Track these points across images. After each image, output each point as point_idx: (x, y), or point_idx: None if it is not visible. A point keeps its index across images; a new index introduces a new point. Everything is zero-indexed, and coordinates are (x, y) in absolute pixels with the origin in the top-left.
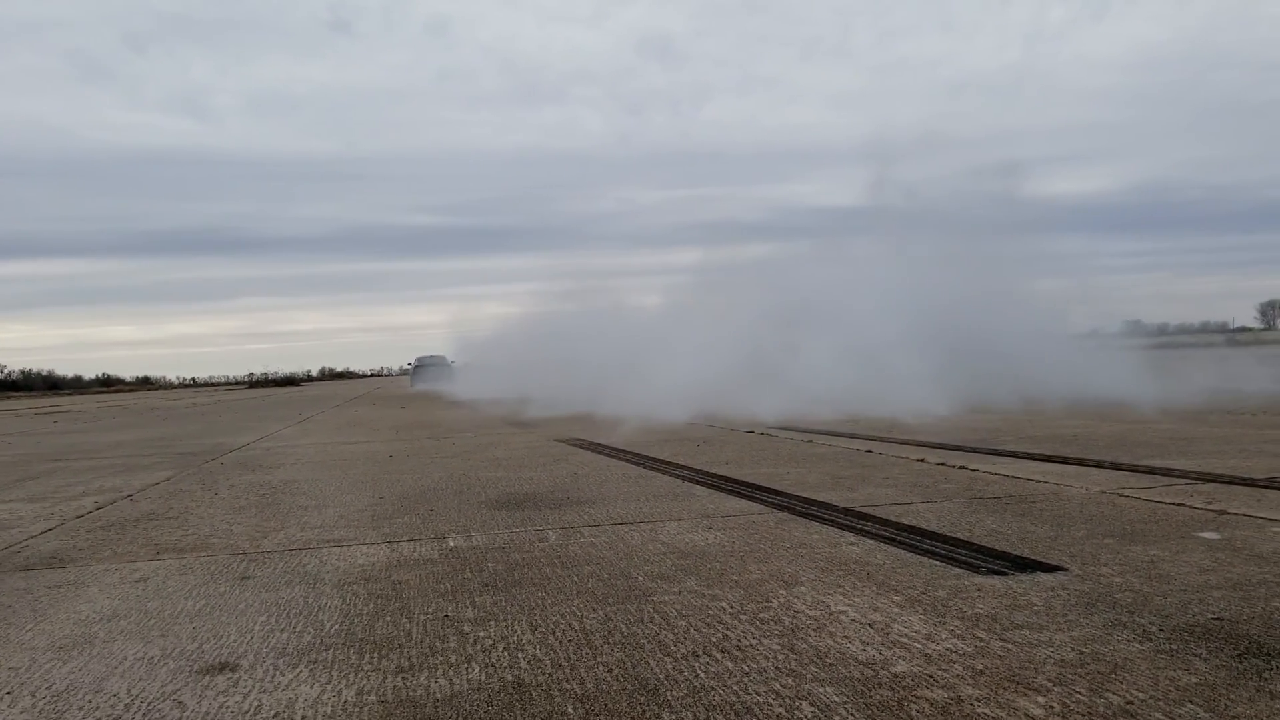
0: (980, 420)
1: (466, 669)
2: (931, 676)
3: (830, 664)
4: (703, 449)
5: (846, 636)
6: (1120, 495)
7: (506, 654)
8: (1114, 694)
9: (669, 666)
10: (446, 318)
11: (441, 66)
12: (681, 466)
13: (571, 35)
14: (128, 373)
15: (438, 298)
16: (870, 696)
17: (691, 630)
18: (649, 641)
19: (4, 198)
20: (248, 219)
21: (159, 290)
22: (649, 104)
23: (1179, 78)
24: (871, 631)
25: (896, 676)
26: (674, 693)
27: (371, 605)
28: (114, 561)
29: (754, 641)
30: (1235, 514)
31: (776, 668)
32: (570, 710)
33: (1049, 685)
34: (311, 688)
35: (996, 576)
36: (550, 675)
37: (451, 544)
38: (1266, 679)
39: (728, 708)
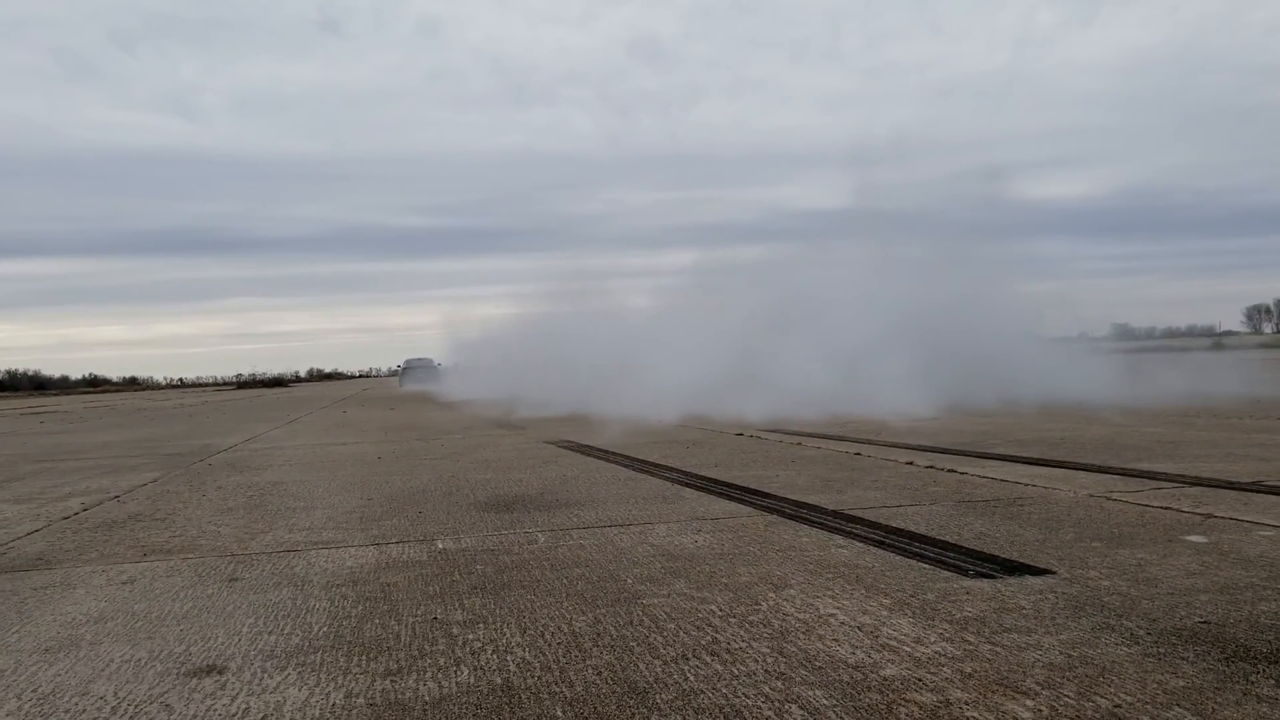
0: (968, 423)
1: (455, 672)
2: (920, 680)
3: (819, 667)
4: (692, 451)
5: (835, 639)
6: (1108, 499)
7: (495, 657)
8: (1102, 697)
9: (658, 669)
10: (436, 319)
11: (431, 67)
12: (671, 469)
13: (561, 36)
14: (115, 373)
15: (427, 299)
16: (859, 699)
17: (681, 633)
18: (638, 644)
19: None
20: (236, 219)
21: (147, 290)
22: (639, 106)
23: (1168, 82)
24: (860, 634)
25: (885, 679)
26: (663, 695)
27: (360, 607)
28: (101, 563)
29: (743, 644)
30: (1222, 517)
31: (766, 671)
32: (559, 713)
33: (1037, 688)
34: (299, 690)
35: (985, 579)
36: (539, 678)
37: (440, 546)
38: (1253, 682)
39: (717, 710)
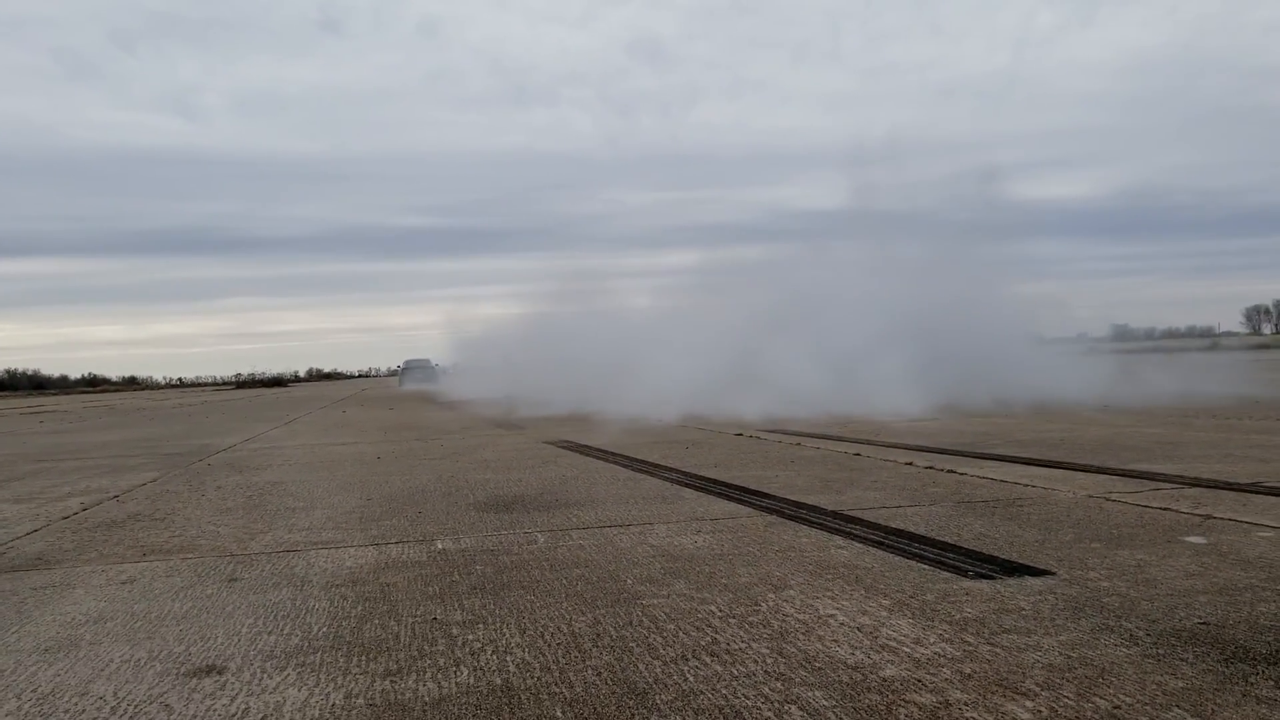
0: (966, 423)
1: (455, 672)
2: (920, 680)
3: (819, 668)
4: (691, 451)
5: (835, 640)
6: (1107, 499)
7: (495, 657)
8: (1101, 698)
9: (658, 670)
10: (435, 319)
11: (431, 67)
12: (670, 469)
13: (562, 36)
14: (114, 373)
15: (426, 299)
16: (859, 700)
17: (680, 634)
18: (638, 645)
19: None
20: (236, 219)
21: (146, 290)
22: (639, 106)
23: (1168, 83)
24: (860, 635)
25: (885, 680)
26: (663, 696)
27: (359, 608)
28: (100, 563)
29: (743, 645)
30: (1221, 518)
31: (765, 671)
32: (559, 714)
33: (1037, 689)
34: (299, 691)
35: (984, 580)
36: (539, 679)
37: (440, 546)
38: (1253, 684)
39: (716, 711)
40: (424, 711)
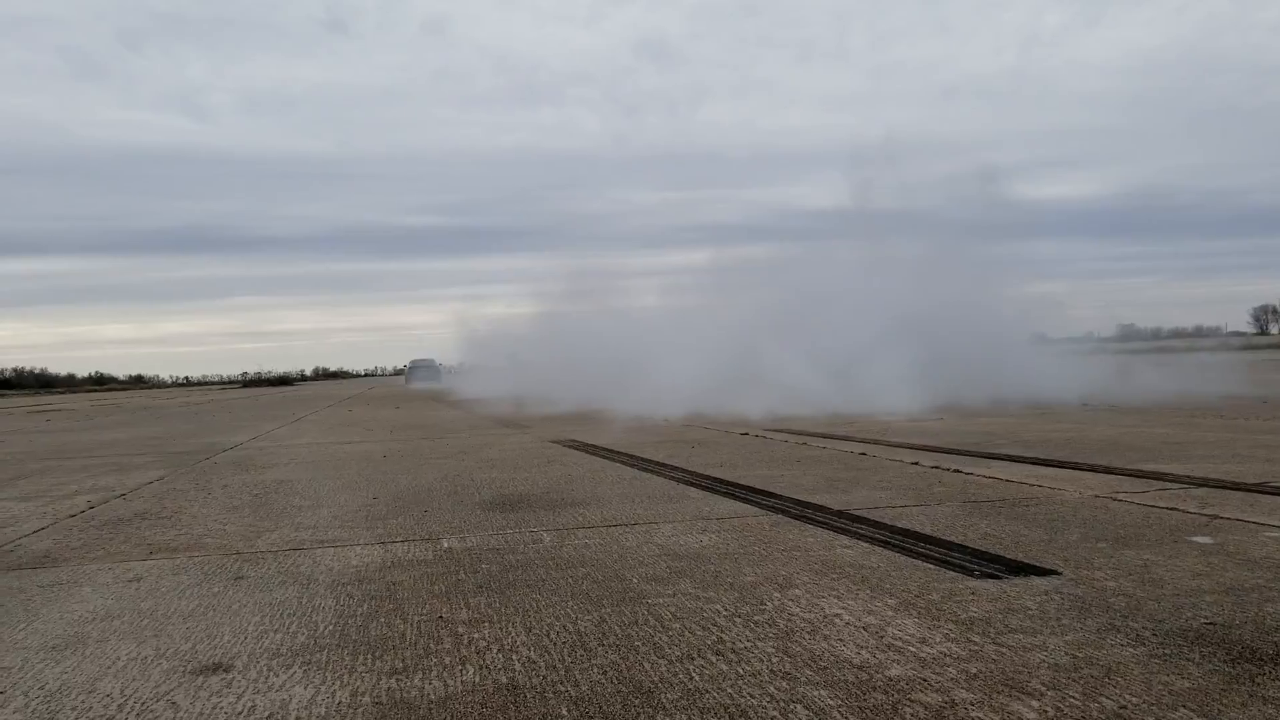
0: (972, 423)
1: (461, 670)
2: (925, 680)
3: (824, 667)
4: (697, 451)
5: (841, 640)
6: (1113, 499)
7: (501, 656)
8: (1107, 698)
9: (663, 669)
10: (441, 318)
11: (438, 66)
12: (676, 468)
13: (568, 36)
14: (121, 371)
15: (432, 298)
16: (864, 700)
17: (686, 633)
18: (643, 644)
19: None
20: (242, 218)
21: (153, 289)
22: (645, 105)
23: (1175, 83)
24: (866, 635)
25: (891, 680)
26: (668, 695)
27: (365, 606)
28: (107, 561)
29: (748, 644)
30: (1228, 519)
31: (771, 670)
32: (564, 712)
33: (1043, 689)
34: (305, 689)
35: (990, 580)
36: (544, 677)
37: (446, 545)
38: (1259, 684)
39: (722, 710)
40: (429, 710)
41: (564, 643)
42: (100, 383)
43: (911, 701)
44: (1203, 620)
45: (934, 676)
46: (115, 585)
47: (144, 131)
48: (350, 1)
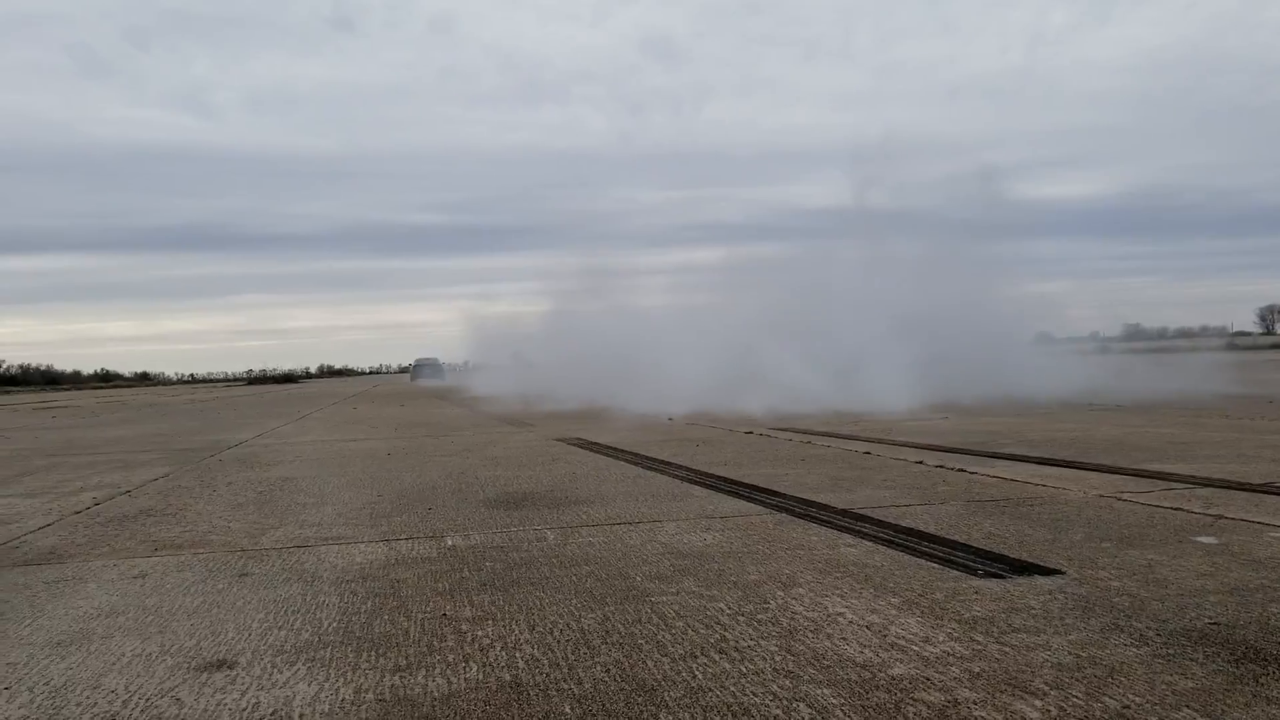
0: (976, 422)
1: (464, 668)
2: (929, 679)
3: (828, 666)
4: (701, 449)
5: (844, 638)
6: (1118, 499)
7: (504, 653)
8: (1111, 698)
9: (667, 667)
10: (447, 316)
11: (444, 64)
12: (680, 467)
13: (573, 34)
14: (126, 368)
15: (437, 296)
16: (867, 699)
17: (689, 631)
18: (647, 642)
19: (4, 192)
20: (248, 215)
21: (158, 286)
22: (651, 104)
23: (1181, 82)
24: (869, 634)
25: (894, 679)
26: (672, 693)
27: (370, 603)
28: (112, 557)
29: (752, 643)
30: (1233, 519)
31: (774, 669)
32: (568, 710)
33: (1046, 689)
34: (309, 686)
35: (994, 579)
36: (548, 675)
37: (450, 543)
38: (1263, 684)
39: (725, 709)
40: (433, 707)
41: (567, 640)
42: (106, 380)
43: (914, 700)
44: (1207, 620)
45: (937, 675)
46: (120, 582)
47: (149, 129)
48: (358, 0)
